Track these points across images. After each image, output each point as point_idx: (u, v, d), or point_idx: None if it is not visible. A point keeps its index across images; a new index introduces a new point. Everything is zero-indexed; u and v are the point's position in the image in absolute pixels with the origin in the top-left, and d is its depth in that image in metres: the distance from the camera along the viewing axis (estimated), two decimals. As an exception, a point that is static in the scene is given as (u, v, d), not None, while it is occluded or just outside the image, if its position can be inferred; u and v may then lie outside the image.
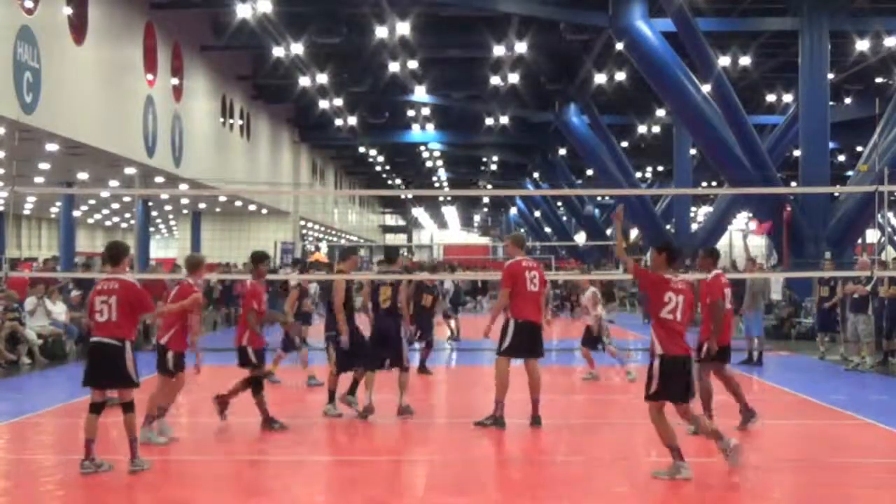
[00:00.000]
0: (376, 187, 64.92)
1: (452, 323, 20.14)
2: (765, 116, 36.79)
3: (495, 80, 33.38)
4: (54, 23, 19.86)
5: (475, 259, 49.76)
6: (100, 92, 22.16)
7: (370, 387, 10.41)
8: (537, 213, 67.34)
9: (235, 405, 11.99)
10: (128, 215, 45.48)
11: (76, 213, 36.43)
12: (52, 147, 21.22)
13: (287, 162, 43.45)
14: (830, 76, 27.01)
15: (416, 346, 14.56)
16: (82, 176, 27.23)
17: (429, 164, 57.20)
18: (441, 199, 78.24)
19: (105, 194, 35.00)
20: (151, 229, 45.06)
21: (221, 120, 32.95)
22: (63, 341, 16.88)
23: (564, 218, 60.98)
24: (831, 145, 31.02)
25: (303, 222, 45.88)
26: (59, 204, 32.03)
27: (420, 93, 37.20)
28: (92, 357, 7.98)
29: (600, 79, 32.58)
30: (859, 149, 34.32)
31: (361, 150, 50.90)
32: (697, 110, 25.81)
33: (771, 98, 35.76)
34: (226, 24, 28.38)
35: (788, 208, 24.51)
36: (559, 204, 59.24)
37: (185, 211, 40.52)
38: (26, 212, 44.42)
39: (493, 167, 60.88)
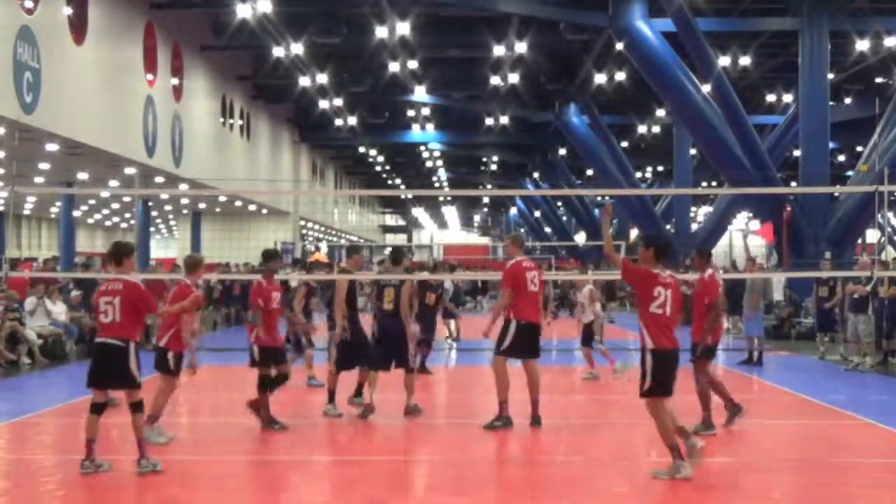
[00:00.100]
0: (376, 187, 64.93)
1: (452, 324, 20.12)
2: (765, 116, 36.80)
3: (495, 80, 33.39)
4: (54, 23, 19.86)
5: (475, 259, 49.74)
6: (100, 92, 22.16)
7: (372, 386, 10.44)
8: (537, 213, 67.34)
9: (234, 406, 11.98)
10: (128, 215, 45.47)
11: (76, 213, 36.44)
12: (52, 147, 21.22)
13: (287, 162, 43.45)
14: (830, 76, 27.02)
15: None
16: (82, 176, 27.23)
17: (429, 164, 57.20)
18: (441, 199, 78.24)
19: (105, 194, 35.00)
20: (151, 229, 45.05)
21: (221, 120, 32.95)
22: (63, 341, 16.87)
23: (564, 218, 61.00)
24: (831, 145, 31.03)
25: (303, 222, 45.89)
26: (59, 204, 32.04)
27: (420, 93, 37.21)
28: (96, 358, 7.98)
29: (600, 79, 32.59)
30: (859, 149, 34.33)
31: (361, 150, 50.91)
32: (697, 110, 25.82)
33: (771, 98, 35.77)
34: (226, 24, 28.38)
35: (788, 208, 24.52)
36: (559, 204, 59.26)
37: (185, 211, 40.52)
38: (26, 212, 44.42)
39: (493, 167, 60.89)
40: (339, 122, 40.24)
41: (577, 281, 17.09)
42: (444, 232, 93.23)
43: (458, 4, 27.56)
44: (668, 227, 39.69)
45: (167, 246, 58.89)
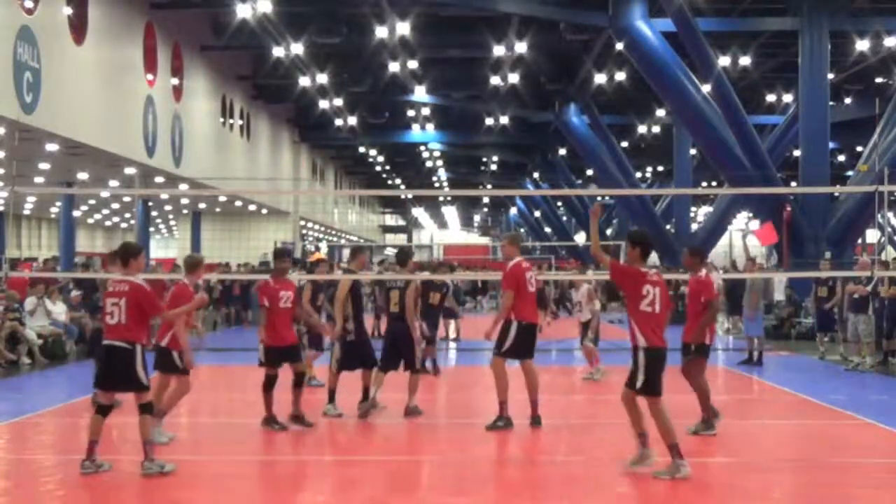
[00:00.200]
0: (376, 187, 64.93)
1: (452, 324, 20.10)
2: (765, 116, 36.80)
3: (495, 80, 33.39)
4: (54, 23, 19.86)
5: (475, 259, 49.75)
6: (100, 92, 22.16)
7: (378, 384, 10.50)
8: (537, 213, 67.34)
9: (234, 406, 12.00)
10: (128, 215, 45.47)
11: (76, 213, 36.45)
12: (52, 147, 21.22)
13: (287, 162, 43.45)
14: (830, 76, 27.02)
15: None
16: (82, 176, 27.24)
17: (429, 164, 57.20)
18: (441, 199, 78.24)
19: (105, 194, 35.01)
20: (151, 229, 45.06)
21: (221, 120, 32.96)
22: (63, 341, 16.87)
23: (564, 218, 61.01)
24: (831, 145, 31.04)
25: (303, 222, 45.89)
26: (59, 204, 32.04)
27: (420, 93, 37.20)
28: (103, 360, 7.98)
29: (600, 79, 32.58)
30: (859, 149, 34.33)
31: (361, 150, 50.91)
32: (697, 110, 25.82)
33: (771, 98, 35.77)
34: (226, 24, 28.38)
35: (788, 208, 24.52)
36: (559, 204, 59.26)
37: (185, 211, 40.52)
38: (26, 212, 44.43)
39: (493, 167, 60.88)
40: (339, 122, 40.23)
41: (575, 280, 17.10)
42: (444, 232, 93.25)
43: (458, 4, 27.56)
44: (668, 227, 39.66)
45: (167, 246, 58.91)
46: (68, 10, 20.59)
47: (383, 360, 10.57)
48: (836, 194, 28.40)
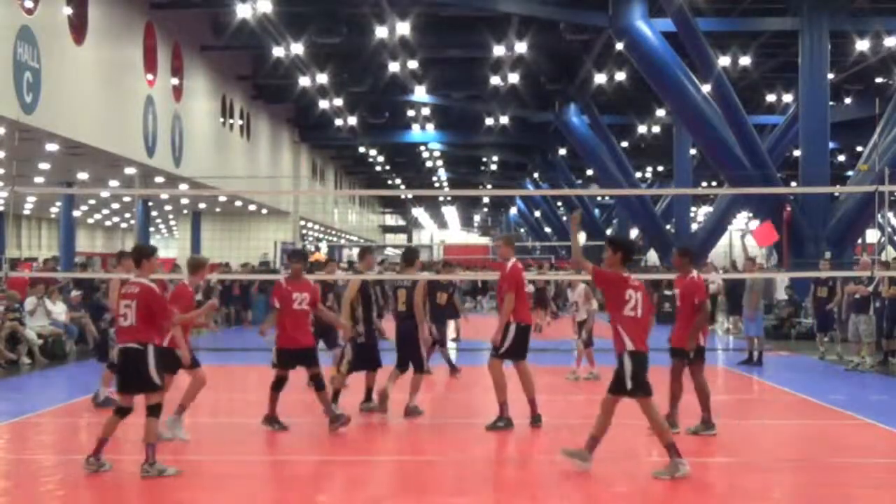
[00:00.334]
0: (376, 187, 64.92)
1: (452, 324, 20.08)
2: (765, 116, 36.79)
3: (495, 80, 33.38)
4: (54, 23, 19.85)
5: (475, 259, 49.75)
6: (100, 92, 22.16)
7: (392, 381, 10.59)
8: (537, 213, 67.34)
9: (234, 406, 12.00)
10: (128, 215, 45.44)
11: (76, 213, 36.43)
12: (52, 147, 21.21)
13: (287, 162, 43.44)
14: (830, 76, 27.01)
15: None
16: (82, 176, 27.23)
17: (429, 164, 57.20)
18: (441, 199, 78.24)
19: (105, 194, 34.99)
20: (151, 229, 45.06)
21: (221, 120, 32.95)
22: (63, 341, 16.88)
23: (564, 218, 60.99)
24: (831, 145, 31.03)
25: (303, 222, 45.87)
26: (59, 204, 32.03)
27: (420, 93, 37.19)
28: (119, 363, 8.02)
29: (600, 79, 32.57)
30: (859, 149, 34.32)
31: (361, 150, 50.90)
32: (697, 110, 25.82)
33: (771, 98, 35.76)
34: (226, 24, 28.37)
35: (788, 208, 24.52)
36: (559, 204, 59.25)
37: (185, 211, 40.50)
38: (26, 212, 44.40)
39: (493, 167, 60.88)
40: (339, 122, 40.22)
41: (572, 280, 17.09)
42: (444, 232, 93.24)
43: (458, 4, 27.55)
44: (668, 227, 39.66)
45: (167, 246, 58.83)
46: (68, 10, 20.58)
47: (397, 360, 10.70)
48: (836, 194, 28.39)
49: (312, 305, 9.84)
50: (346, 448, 9.27)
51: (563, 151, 47.52)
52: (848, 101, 35.68)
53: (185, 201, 36.25)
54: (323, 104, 36.95)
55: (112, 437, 7.96)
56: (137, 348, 7.78)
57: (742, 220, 51.27)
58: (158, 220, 50.32)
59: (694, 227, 45.31)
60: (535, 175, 58.13)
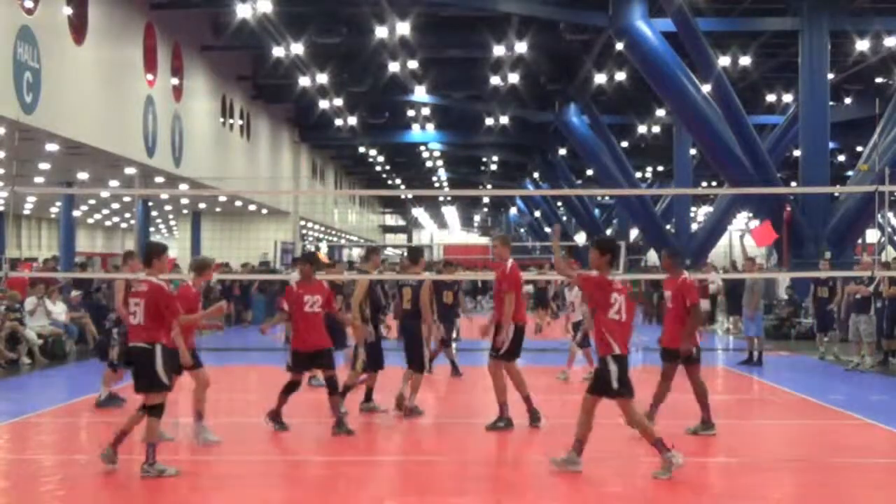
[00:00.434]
0: (376, 187, 64.88)
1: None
2: (765, 116, 36.77)
3: (495, 80, 33.36)
4: (54, 23, 19.85)
5: (475, 259, 49.75)
6: (100, 92, 22.15)
7: (406, 382, 10.64)
8: (537, 213, 67.33)
9: (234, 405, 12.00)
10: (128, 215, 45.43)
11: (76, 213, 36.41)
12: (52, 147, 21.21)
13: (287, 162, 43.44)
14: (830, 76, 27.00)
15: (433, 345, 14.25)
16: (82, 176, 27.22)
17: (429, 164, 57.19)
18: (441, 199, 78.24)
19: (105, 194, 34.98)
20: (151, 229, 45.06)
21: (221, 120, 32.94)
22: (63, 341, 16.88)
23: (564, 218, 61.01)
24: (831, 145, 31.02)
25: (303, 222, 45.87)
26: (59, 204, 32.02)
27: (420, 93, 37.17)
28: (133, 363, 8.02)
29: (600, 79, 32.56)
30: (859, 149, 34.31)
31: (361, 150, 50.89)
32: (697, 110, 25.81)
33: (771, 98, 35.74)
34: (226, 24, 28.36)
35: (788, 208, 24.52)
36: (559, 204, 59.25)
37: (185, 211, 40.49)
38: (26, 212, 44.40)
39: (493, 167, 60.87)
40: (339, 122, 40.20)
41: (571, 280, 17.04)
42: (444, 232, 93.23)
43: (458, 4, 27.54)
44: (668, 227, 39.65)
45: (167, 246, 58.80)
46: (68, 10, 20.57)
47: (407, 360, 10.71)
48: (836, 194, 28.39)
49: (326, 307, 9.76)
50: (347, 448, 9.27)
51: (563, 151, 47.50)
52: (848, 101, 35.67)
53: (185, 201, 36.25)
54: (323, 104, 36.94)
55: (111, 437, 7.96)
56: (145, 347, 7.80)
57: (742, 220, 51.27)
58: (158, 220, 50.31)
59: (694, 227, 45.31)
60: (535, 175, 58.11)
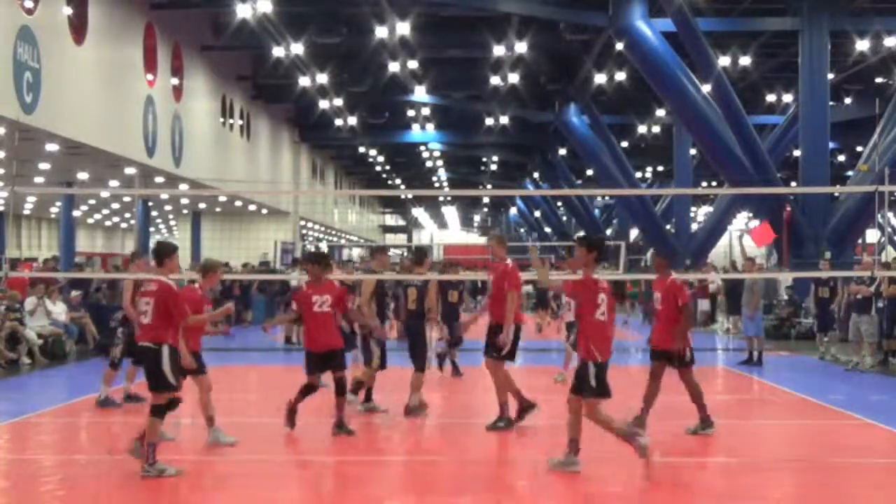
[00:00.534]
0: (376, 187, 64.89)
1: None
2: (765, 116, 36.77)
3: (495, 80, 33.37)
4: (54, 23, 19.85)
5: (475, 259, 49.74)
6: (100, 92, 22.15)
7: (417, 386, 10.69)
8: (537, 213, 67.33)
9: (234, 405, 12.00)
10: (128, 215, 45.44)
11: (76, 213, 36.42)
12: (52, 147, 21.21)
13: (287, 162, 43.44)
14: (830, 76, 27.00)
15: (438, 345, 14.25)
16: (82, 176, 27.22)
17: (429, 164, 57.19)
18: (441, 199, 78.24)
19: (105, 194, 34.99)
20: (151, 229, 45.02)
21: (221, 120, 32.95)
22: (63, 341, 16.87)
23: (564, 218, 61.03)
24: (831, 145, 31.01)
25: (303, 222, 45.87)
26: (59, 204, 32.02)
27: (420, 93, 37.18)
28: (140, 362, 8.06)
29: (600, 79, 32.57)
30: (859, 149, 34.31)
31: (361, 150, 50.89)
32: (697, 110, 25.81)
33: (771, 98, 35.74)
34: (226, 24, 28.37)
35: (788, 208, 24.52)
36: (559, 204, 59.26)
37: (185, 211, 40.50)
38: (26, 212, 44.40)
39: (493, 167, 60.88)
40: (339, 122, 40.21)
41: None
42: (444, 232, 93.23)
43: (458, 4, 27.54)
44: (668, 227, 39.65)
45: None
46: (68, 10, 20.57)
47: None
48: (836, 194, 28.39)
49: (338, 307, 9.66)
50: (347, 448, 9.27)
51: (563, 151, 47.51)
52: (848, 101, 35.67)
53: (185, 201, 36.25)
54: (323, 104, 36.94)
55: (111, 436, 7.95)
56: (152, 347, 7.82)
57: (742, 220, 51.26)
58: (158, 220, 50.30)
59: (694, 227, 45.31)
60: (535, 175, 58.12)
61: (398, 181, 63.20)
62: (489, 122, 41.03)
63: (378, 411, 10.80)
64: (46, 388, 13.76)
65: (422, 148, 51.73)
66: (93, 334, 17.97)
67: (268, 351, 18.43)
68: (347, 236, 61.40)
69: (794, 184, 29.85)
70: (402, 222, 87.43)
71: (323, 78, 32.75)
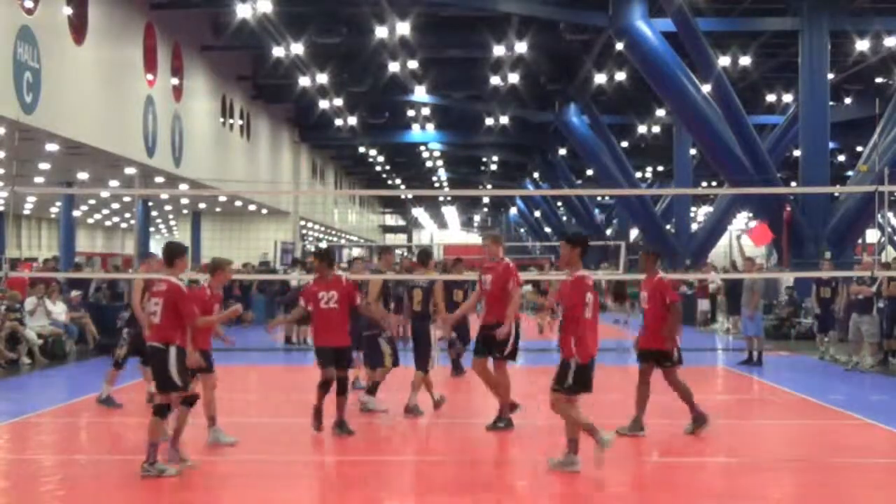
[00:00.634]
0: (376, 187, 64.88)
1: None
2: (765, 116, 36.78)
3: (495, 80, 33.37)
4: (54, 23, 19.86)
5: (475, 259, 49.74)
6: (100, 92, 22.16)
7: (429, 387, 10.76)
8: (537, 213, 67.34)
9: (234, 405, 11.99)
10: (128, 215, 45.43)
11: (76, 213, 36.41)
12: (52, 147, 21.22)
13: (287, 162, 43.44)
14: (830, 76, 27.00)
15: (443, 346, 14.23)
16: (82, 176, 27.23)
17: (429, 164, 57.21)
18: (441, 199, 78.25)
19: (105, 194, 34.99)
20: (151, 229, 45.02)
21: (221, 120, 32.95)
22: (63, 341, 16.87)
23: (564, 218, 61.04)
24: (831, 145, 31.02)
25: (303, 222, 45.88)
26: (59, 204, 32.03)
27: (420, 93, 37.19)
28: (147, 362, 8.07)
29: (600, 79, 32.58)
30: (859, 149, 34.32)
31: (361, 150, 50.91)
32: (697, 110, 25.82)
33: (771, 98, 35.75)
34: (226, 24, 28.37)
35: (788, 208, 24.51)
36: (559, 204, 59.27)
37: (185, 211, 40.51)
38: (26, 212, 44.39)
39: (493, 167, 60.89)
40: (339, 122, 40.21)
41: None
42: (444, 232, 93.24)
43: (458, 4, 27.55)
44: (668, 227, 39.67)
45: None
46: (68, 10, 20.58)
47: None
48: (836, 194, 28.38)
49: (346, 303, 9.57)
50: (347, 448, 9.26)
51: (563, 151, 47.52)
52: (848, 101, 35.68)
53: (185, 201, 36.26)
54: (323, 104, 36.95)
55: (111, 436, 7.95)
56: (160, 347, 7.84)
57: (742, 220, 51.27)
58: (158, 220, 50.28)
59: (694, 227, 45.32)
60: (535, 175, 58.13)
61: (398, 181, 63.21)
62: (489, 122, 41.04)
63: (378, 411, 10.81)
64: (46, 388, 13.76)
65: (422, 148, 51.74)
66: (93, 334, 17.96)
67: (268, 351, 18.42)
68: (347, 236, 61.41)
69: (794, 184, 29.85)
70: (402, 222, 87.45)
71: (323, 78, 32.75)
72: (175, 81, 27.63)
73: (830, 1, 25.61)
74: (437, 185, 63.16)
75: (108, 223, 55.10)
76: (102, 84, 22.27)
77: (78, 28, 20.97)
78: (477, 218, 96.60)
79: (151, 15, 25.44)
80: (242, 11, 25.10)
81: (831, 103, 28.11)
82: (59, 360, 16.34)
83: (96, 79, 21.94)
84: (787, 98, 34.56)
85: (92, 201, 39.43)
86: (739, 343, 18.98)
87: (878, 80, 33.15)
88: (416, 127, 45.45)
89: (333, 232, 56.79)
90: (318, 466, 8.70)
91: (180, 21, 27.56)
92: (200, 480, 7.94)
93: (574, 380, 7.81)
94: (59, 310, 17.19)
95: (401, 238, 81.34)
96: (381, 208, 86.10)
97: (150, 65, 25.49)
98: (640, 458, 8.86)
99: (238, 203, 36.95)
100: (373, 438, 9.84)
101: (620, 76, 32.14)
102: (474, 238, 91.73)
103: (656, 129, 40.44)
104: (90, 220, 52.08)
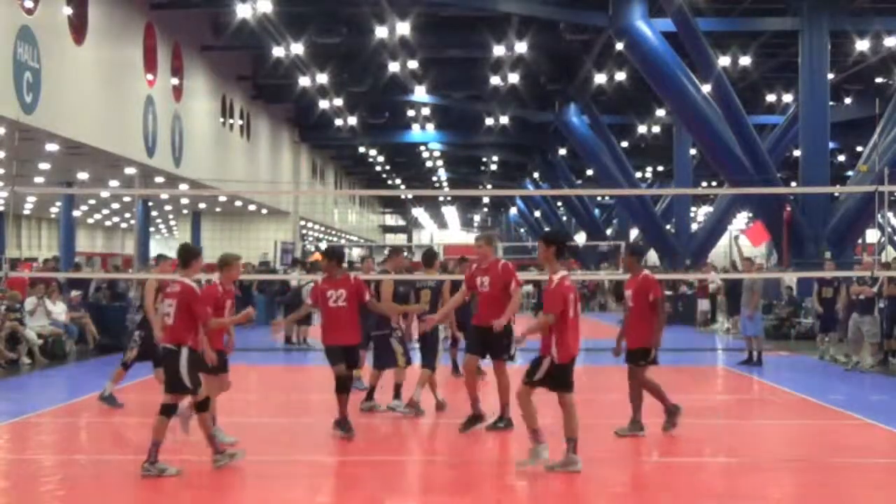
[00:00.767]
0: (376, 187, 64.93)
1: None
2: (765, 116, 36.79)
3: (495, 80, 33.39)
4: (54, 23, 19.86)
5: (475, 259, 49.70)
6: (100, 92, 22.16)
7: (433, 386, 10.80)
8: (537, 213, 67.33)
9: (234, 405, 11.99)
10: (128, 215, 45.46)
11: (76, 213, 36.44)
12: (52, 147, 21.23)
13: (287, 162, 43.46)
14: (830, 76, 27.00)
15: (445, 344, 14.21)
16: (82, 176, 27.24)
17: (429, 164, 57.22)
18: (441, 199, 78.26)
19: (105, 194, 35.01)
20: (151, 229, 45.07)
21: (221, 120, 32.96)
22: (63, 341, 16.87)
23: (564, 218, 61.03)
24: (831, 145, 31.03)
25: (303, 222, 45.89)
26: (59, 204, 32.06)
27: (420, 93, 37.21)
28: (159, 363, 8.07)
29: (600, 79, 32.59)
30: (859, 149, 34.32)
31: (361, 150, 50.93)
32: (697, 110, 25.81)
33: (771, 98, 35.76)
34: (226, 24, 28.39)
35: (788, 208, 24.51)
36: (559, 204, 59.28)
37: (185, 211, 40.53)
38: (26, 212, 44.42)
39: (493, 167, 60.90)
40: (339, 122, 40.23)
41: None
42: (444, 232, 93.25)
43: (458, 4, 27.57)
44: (668, 227, 39.68)
45: (167, 246, 58.83)
46: (68, 10, 20.59)
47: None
48: (836, 194, 28.38)
49: (354, 301, 9.48)
50: (347, 448, 9.26)
51: (563, 151, 47.53)
52: (848, 101, 35.68)
53: (185, 201, 36.28)
54: (323, 104, 36.97)
55: (112, 436, 7.94)
56: (172, 349, 7.84)
57: (742, 220, 51.27)
58: (158, 220, 50.34)
59: (694, 227, 45.33)
60: (535, 175, 58.13)
61: (398, 181, 63.22)
62: (489, 122, 41.05)
63: (379, 410, 10.80)
64: (46, 388, 13.75)
65: (422, 148, 51.76)
66: (93, 334, 17.96)
67: (268, 351, 18.42)
68: (347, 236, 61.42)
69: (794, 184, 29.85)
70: (402, 222, 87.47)
71: (323, 78, 32.77)
72: (175, 81, 27.63)
73: (830, 1, 25.61)
74: (437, 185, 63.18)
75: (108, 223, 55.15)
76: (102, 84, 22.28)
77: (78, 28, 20.98)
78: (477, 218, 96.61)
79: (151, 15, 25.45)
80: (242, 11, 25.12)
81: (831, 103, 28.11)
82: (59, 360, 16.34)
83: (96, 79, 21.95)
84: (787, 98, 34.57)
85: (92, 201, 39.45)
86: (739, 343, 18.98)
87: (878, 80, 33.16)
88: (416, 127, 45.47)
89: (333, 232, 56.80)
90: (318, 466, 8.69)
91: (180, 21, 27.57)
92: (201, 480, 7.93)
93: (553, 377, 7.83)
94: (59, 310, 17.18)
95: (401, 238, 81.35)
96: (381, 208, 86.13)
97: (150, 65, 25.50)
98: (640, 458, 8.86)
99: (238, 203, 36.96)
100: (373, 438, 9.84)
101: (620, 76, 32.15)
102: (474, 238, 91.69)
103: (656, 129, 40.45)
104: (90, 220, 52.11)
